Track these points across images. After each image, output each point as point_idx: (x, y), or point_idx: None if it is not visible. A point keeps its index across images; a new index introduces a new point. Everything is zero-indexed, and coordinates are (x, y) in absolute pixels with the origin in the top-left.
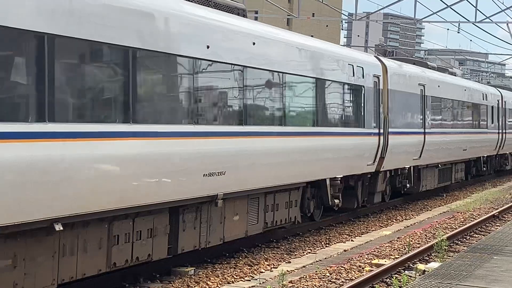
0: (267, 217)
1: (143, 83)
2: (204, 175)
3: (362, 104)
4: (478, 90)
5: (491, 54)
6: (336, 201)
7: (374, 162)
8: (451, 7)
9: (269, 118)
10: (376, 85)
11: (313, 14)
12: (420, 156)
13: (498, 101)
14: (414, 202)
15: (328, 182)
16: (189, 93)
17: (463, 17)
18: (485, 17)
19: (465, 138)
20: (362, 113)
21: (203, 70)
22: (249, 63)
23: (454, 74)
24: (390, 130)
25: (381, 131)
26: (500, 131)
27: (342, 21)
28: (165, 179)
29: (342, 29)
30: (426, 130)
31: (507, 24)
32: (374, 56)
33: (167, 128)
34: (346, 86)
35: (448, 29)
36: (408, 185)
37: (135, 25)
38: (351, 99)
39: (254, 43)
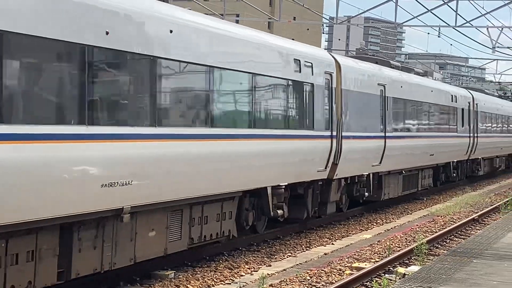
0: (193, 232)
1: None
2: (102, 185)
3: (311, 104)
4: (447, 92)
5: (471, 58)
6: (280, 211)
7: (326, 169)
8: (432, 11)
9: (192, 118)
10: (328, 84)
11: (294, 17)
12: (380, 162)
13: (469, 103)
14: (395, 205)
15: (269, 190)
16: (80, 89)
17: (444, 21)
18: (466, 21)
19: (432, 142)
20: (311, 114)
21: (101, 61)
22: (164, 53)
23: (422, 74)
24: (344, 133)
25: (334, 134)
26: (472, 135)
27: (323, 24)
28: (49, 191)
29: (323, 33)
30: (387, 134)
31: (487, 28)
32: (328, 52)
33: (45, 129)
34: (291, 84)
35: (428, 33)
36: (366, 193)
37: None
38: (297, 98)
39: (171, 31)
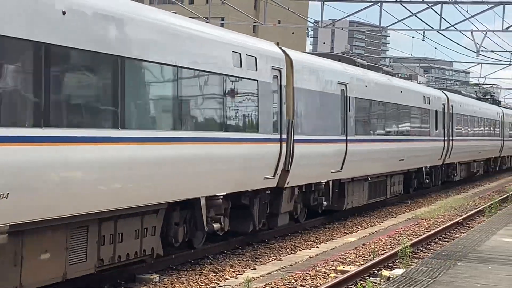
0: (104, 252)
1: None
2: None
3: (255, 104)
4: (419, 92)
5: (455, 62)
6: (217, 225)
7: (274, 176)
8: (416, 15)
9: (95, 118)
10: (277, 81)
11: (279, 21)
12: (341, 168)
13: (443, 105)
14: (379, 209)
15: (203, 201)
16: None
17: (428, 25)
18: (450, 25)
19: (401, 146)
20: (255, 115)
21: None
22: (58, 41)
23: (391, 74)
24: (297, 137)
25: (284, 137)
26: (446, 138)
27: (308, 28)
28: None
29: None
30: (349, 138)
31: (471, 32)
32: (278, 46)
33: None
34: (228, 79)
35: (413, 37)
36: (325, 202)
37: None
38: (236, 96)
39: (64, 12)
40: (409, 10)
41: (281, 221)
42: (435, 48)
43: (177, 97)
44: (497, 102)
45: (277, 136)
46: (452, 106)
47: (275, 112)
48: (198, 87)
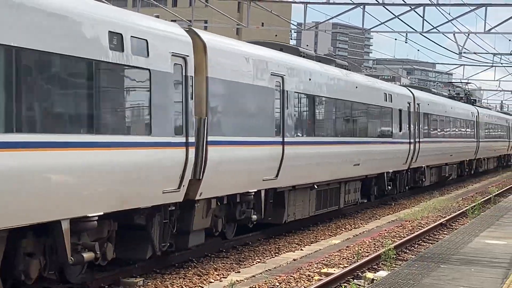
0: None
1: None
2: None
3: (145, 99)
4: (378, 89)
5: (438, 63)
6: (88, 255)
7: (180, 187)
8: (399, 17)
9: None
10: (181, 70)
11: (263, 23)
12: (277, 175)
13: (409, 103)
14: (363, 210)
15: (65, 225)
16: None
17: (411, 27)
18: (432, 27)
19: (356, 149)
20: (146, 113)
21: None
22: None
23: (346, 68)
24: (211, 138)
25: (192, 140)
26: (412, 140)
27: (291, 30)
28: None
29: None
30: (287, 140)
31: (454, 34)
32: (183, 28)
33: None
34: (99, 67)
35: (396, 39)
36: (255, 216)
37: None
38: (116, 90)
39: None
40: (391, 13)
41: (194, 240)
42: (418, 50)
43: (13, 89)
44: (471, 101)
45: (181, 139)
46: (418, 105)
47: (177, 110)
48: (49, 78)
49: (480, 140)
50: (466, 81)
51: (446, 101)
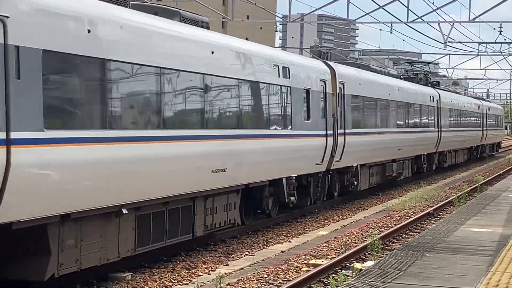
0: None
1: None
2: None
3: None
4: (261, 57)
5: (424, 53)
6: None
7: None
8: (384, 7)
9: None
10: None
11: (248, 16)
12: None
13: (323, 82)
14: (351, 202)
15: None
16: None
17: (396, 17)
18: (417, 17)
19: (223, 147)
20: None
21: None
22: None
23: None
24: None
25: (330, 132)
26: (330, 132)
27: (276, 23)
28: None
29: (277, 31)
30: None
31: (439, 24)
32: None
33: None
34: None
35: (381, 30)
36: (356, 182)
37: None
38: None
39: None
40: (376, 3)
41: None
42: (403, 40)
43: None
44: (433, 84)
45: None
46: (343, 84)
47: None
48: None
49: (442, 129)
50: (452, 70)
51: (391, 81)
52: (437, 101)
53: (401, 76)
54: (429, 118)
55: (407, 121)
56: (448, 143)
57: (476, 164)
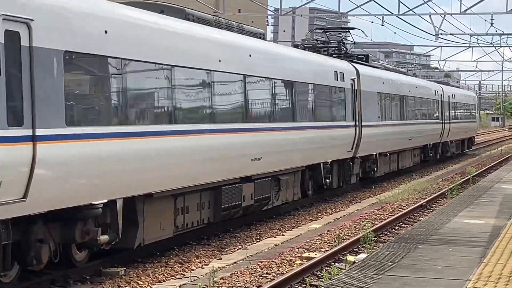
0: None
1: None
2: None
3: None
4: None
5: (416, 46)
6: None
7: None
8: (375, 0)
9: None
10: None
11: (239, 10)
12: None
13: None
14: (344, 194)
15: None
16: None
17: (387, 9)
18: (409, 9)
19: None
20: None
21: None
22: None
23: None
24: (364, 123)
25: (357, 123)
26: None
27: (268, 16)
28: None
29: (268, 25)
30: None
31: (430, 16)
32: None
33: None
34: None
35: (372, 22)
36: (376, 168)
37: None
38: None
39: None
40: None
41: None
42: (395, 32)
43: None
44: (348, 54)
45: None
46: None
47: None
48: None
49: (362, 124)
50: (444, 62)
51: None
52: (353, 81)
53: (305, 45)
54: (337, 107)
55: (312, 111)
56: (373, 143)
57: (467, 156)
